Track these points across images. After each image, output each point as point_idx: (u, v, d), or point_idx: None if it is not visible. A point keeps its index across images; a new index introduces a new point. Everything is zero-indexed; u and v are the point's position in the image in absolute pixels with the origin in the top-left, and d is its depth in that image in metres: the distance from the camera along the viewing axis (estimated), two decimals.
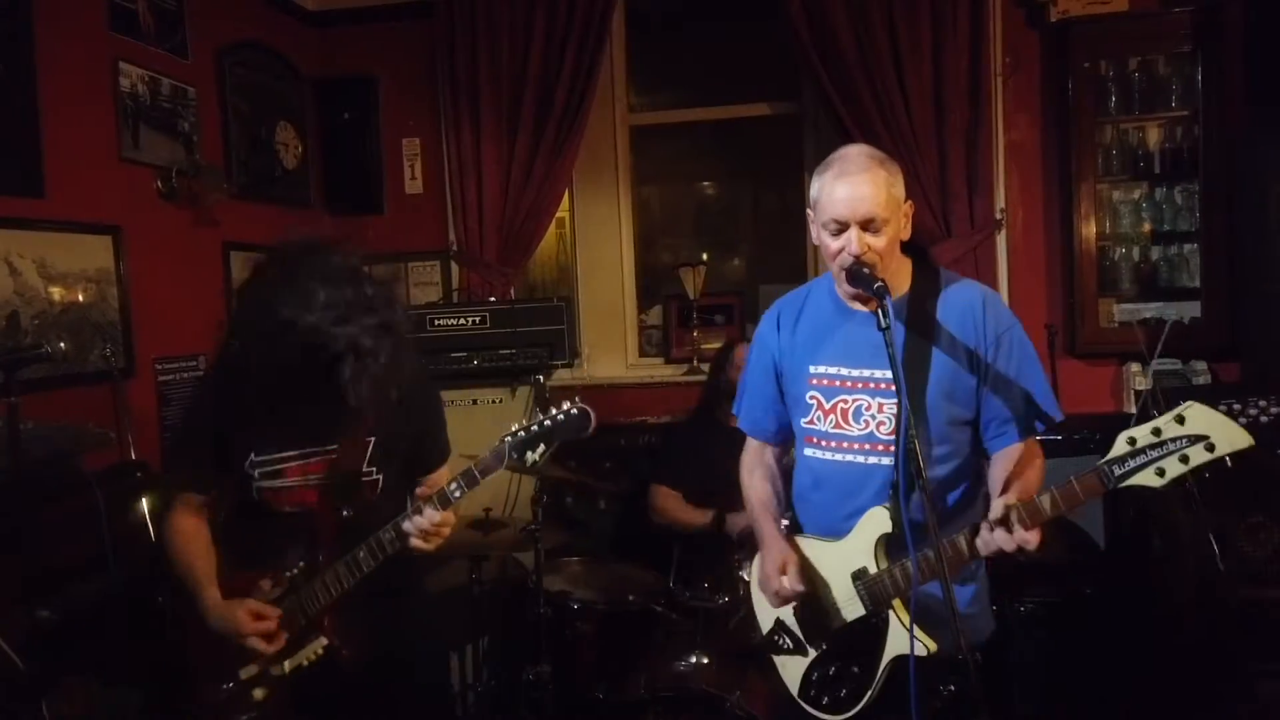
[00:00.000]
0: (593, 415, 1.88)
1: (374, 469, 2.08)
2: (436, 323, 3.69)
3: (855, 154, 1.88)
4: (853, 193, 1.82)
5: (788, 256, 4.32)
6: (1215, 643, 2.89)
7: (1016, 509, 1.67)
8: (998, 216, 3.84)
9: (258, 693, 2.02)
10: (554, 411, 1.89)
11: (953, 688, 1.78)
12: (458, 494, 1.93)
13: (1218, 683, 2.87)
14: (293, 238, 1.97)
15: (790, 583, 1.92)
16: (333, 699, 2.04)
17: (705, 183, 5.03)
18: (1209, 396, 2.14)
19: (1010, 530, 1.67)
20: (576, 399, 1.91)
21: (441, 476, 2.20)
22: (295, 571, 2.02)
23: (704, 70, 4.67)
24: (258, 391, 1.87)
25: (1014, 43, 3.83)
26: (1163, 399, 2.91)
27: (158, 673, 2.33)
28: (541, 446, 1.89)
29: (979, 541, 1.72)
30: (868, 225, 1.83)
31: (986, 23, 3.73)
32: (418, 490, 1.99)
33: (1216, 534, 2.84)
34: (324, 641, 2.02)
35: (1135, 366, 3.75)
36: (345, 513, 2.04)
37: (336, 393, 1.84)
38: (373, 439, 2.07)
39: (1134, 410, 3.66)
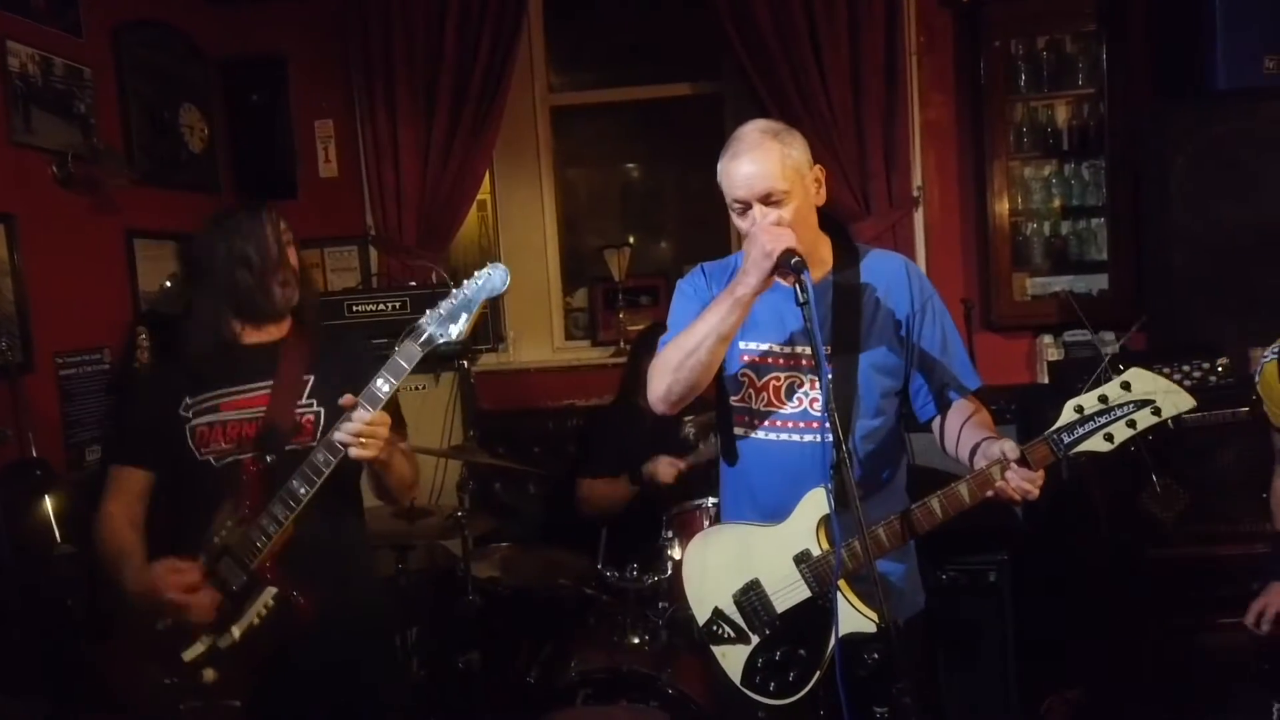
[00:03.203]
0: (507, 271, 1.86)
1: (313, 400, 2.04)
2: (355, 309, 3.60)
3: (748, 131, 1.88)
4: (746, 170, 1.83)
5: (712, 237, 4.32)
6: (1128, 603, 3.01)
7: (1024, 451, 1.69)
8: (915, 194, 3.90)
9: (208, 673, 1.91)
10: (469, 280, 1.87)
11: (876, 655, 1.80)
12: (385, 388, 1.86)
13: (1131, 642, 2.99)
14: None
15: None
16: (286, 673, 1.95)
17: (629, 165, 5.01)
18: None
19: (1032, 468, 1.69)
20: (489, 262, 1.89)
21: None
22: (224, 533, 1.92)
23: (625, 50, 4.63)
24: (192, 341, 2.00)
25: (928, 21, 3.88)
26: (1111, 370, 2.99)
27: (70, 681, 2.23)
28: (464, 316, 1.85)
29: (1008, 475, 1.70)
30: (768, 199, 1.82)
31: (901, 1, 3.77)
32: (342, 400, 1.88)
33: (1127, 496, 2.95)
34: (272, 591, 1.91)
35: (1048, 338, 3.86)
36: (269, 458, 1.96)
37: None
38: (311, 376, 2.04)
39: (1047, 380, 3.77)
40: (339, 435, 1.87)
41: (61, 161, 3.15)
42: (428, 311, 1.87)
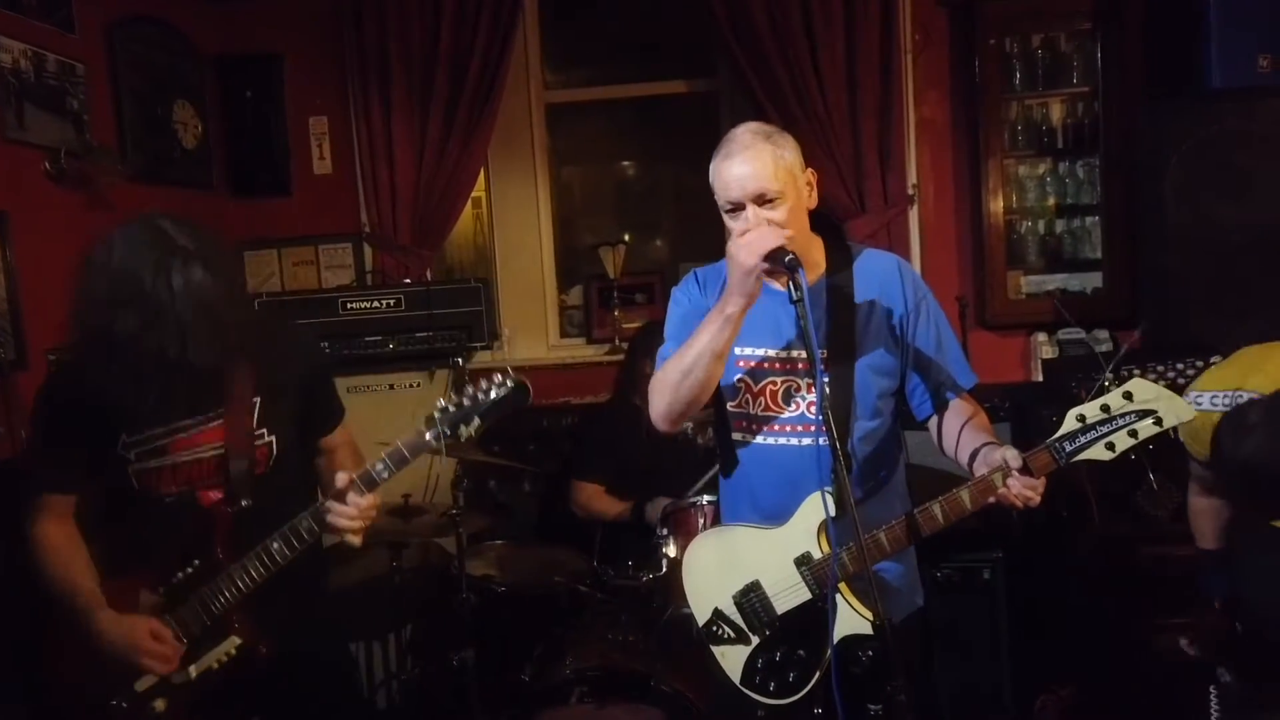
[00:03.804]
0: (530, 388, 1.79)
1: (264, 430, 1.95)
2: (350, 306, 3.60)
3: (740, 133, 1.88)
4: (739, 171, 1.82)
5: (708, 235, 4.30)
6: (1122, 601, 3.01)
7: (1026, 459, 1.69)
8: (910, 192, 3.90)
9: (159, 704, 1.89)
10: (487, 385, 1.79)
11: (871, 653, 1.80)
12: (385, 475, 1.82)
13: (1123, 639, 2.99)
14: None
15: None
16: (243, 701, 1.93)
17: (625, 162, 5.01)
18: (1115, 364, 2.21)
19: (1033, 476, 1.69)
20: (509, 369, 1.82)
21: (340, 440, 2.10)
22: (190, 571, 1.88)
23: (620, 48, 4.63)
24: (117, 370, 1.78)
25: (923, 20, 3.88)
26: (1113, 371, 3.00)
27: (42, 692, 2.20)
28: (477, 421, 1.78)
29: (1010, 482, 1.70)
30: (761, 201, 1.82)
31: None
32: (337, 479, 1.84)
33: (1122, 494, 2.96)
34: (236, 641, 1.89)
35: (1042, 337, 3.86)
36: (244, 502, 1.90)
37: (194, 358, 1.77)
38: (258, 399, 1.94)
39: (1041, 379, 3.77)
40: (333, 519, 1.82)
41: (54, 158, 3.14)
42: (440, 402, 1.79)
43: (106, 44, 3.47)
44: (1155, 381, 1.67)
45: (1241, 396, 2.14)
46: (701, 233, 4.47)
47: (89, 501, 1.95)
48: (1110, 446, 1.65)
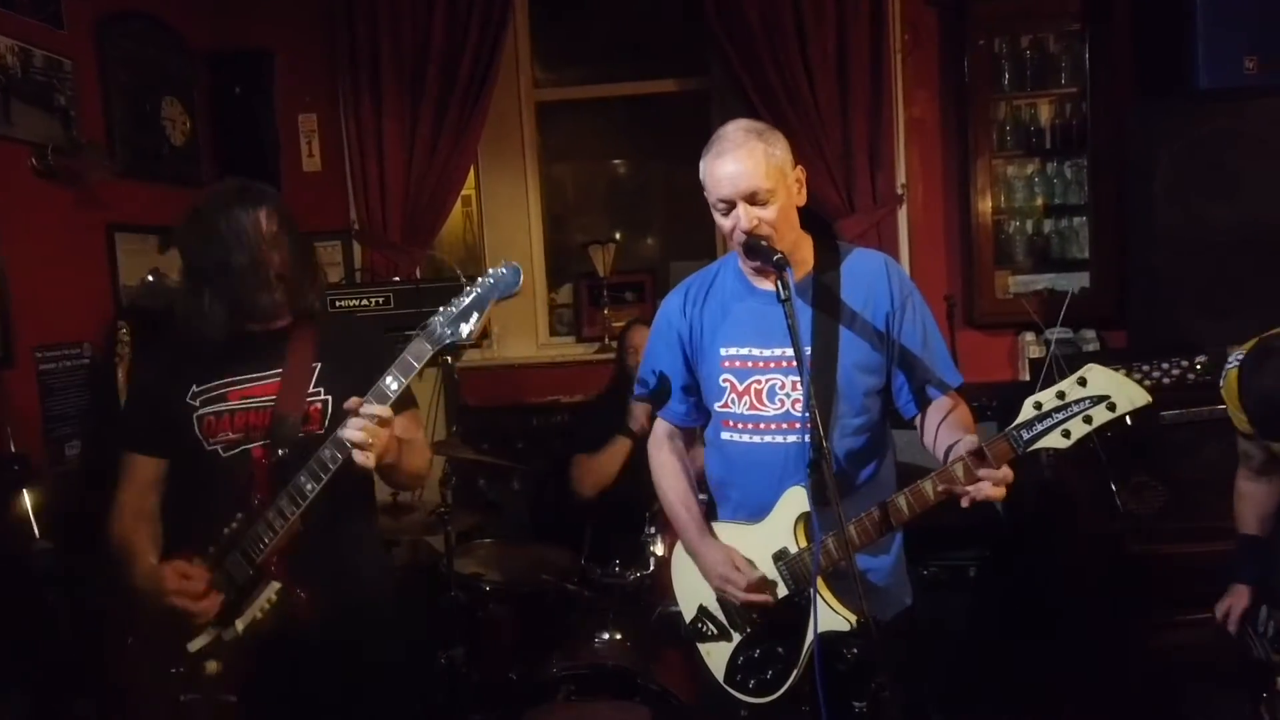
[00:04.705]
0: (520, 270, 1.82)
1: (320, 389, 2.01)
2: (339, 304, 3.58)
3: (731, 130, 1.89)
4: (731, 169, 1.83)
5: (698, 234, 4.33)
6: (1108, 599, 3.03)
7: (984, 446, 1.69)
8: (899, 191, 3.91)
9: (210, 665, 1.91)
10: (481, 279, 1.82)
11: (855, 651, 1.81)
12: (394, 386, 1.83)
13: (1110, 637, 3.01)
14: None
15: (748, 572, 1.90)
16: (289, 667, 1.94)
17: (616, 161, 5.01)
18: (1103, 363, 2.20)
19: (993, 465, 1.69)
20: (503, 260, 1.86)
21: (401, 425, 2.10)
22: (233, 526, 1.91)
23: (611, 46, 4.63)
24: (197, 329, 1.95)
25: (913, 19, 3.90)
26: (1065, 366, 3.02)
27: (49, 676, 2.20)
28: (475, 315, 1.81)
29: (980, 472, 1.69)
30: (753, 199, 1.83)
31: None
32: (349, 402, 1.84)
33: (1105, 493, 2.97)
34: (276, 586, 1.91)
35: (1030, 336, 3.88)
36: (281, 452, 1.94)
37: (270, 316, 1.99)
38: (319, 364, 2.02)
39: (1028, 378, 3.79)
40: (346, 433, 1.83)
41: (41, 154, 3.12)
42: (440, 309, 1.83)
43: (95, 39, 3.44)
44: (1141, 381, 1.67)
45: None
46: (692, 231, 4.48)
47: (171, 472, 2.05)
48: (1066, 434, 1.63)
